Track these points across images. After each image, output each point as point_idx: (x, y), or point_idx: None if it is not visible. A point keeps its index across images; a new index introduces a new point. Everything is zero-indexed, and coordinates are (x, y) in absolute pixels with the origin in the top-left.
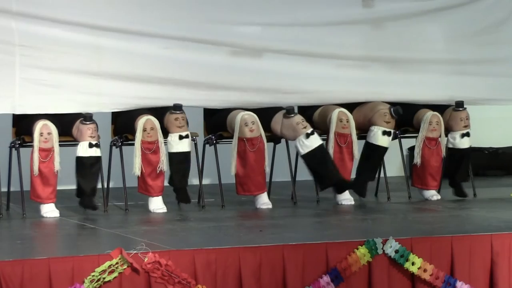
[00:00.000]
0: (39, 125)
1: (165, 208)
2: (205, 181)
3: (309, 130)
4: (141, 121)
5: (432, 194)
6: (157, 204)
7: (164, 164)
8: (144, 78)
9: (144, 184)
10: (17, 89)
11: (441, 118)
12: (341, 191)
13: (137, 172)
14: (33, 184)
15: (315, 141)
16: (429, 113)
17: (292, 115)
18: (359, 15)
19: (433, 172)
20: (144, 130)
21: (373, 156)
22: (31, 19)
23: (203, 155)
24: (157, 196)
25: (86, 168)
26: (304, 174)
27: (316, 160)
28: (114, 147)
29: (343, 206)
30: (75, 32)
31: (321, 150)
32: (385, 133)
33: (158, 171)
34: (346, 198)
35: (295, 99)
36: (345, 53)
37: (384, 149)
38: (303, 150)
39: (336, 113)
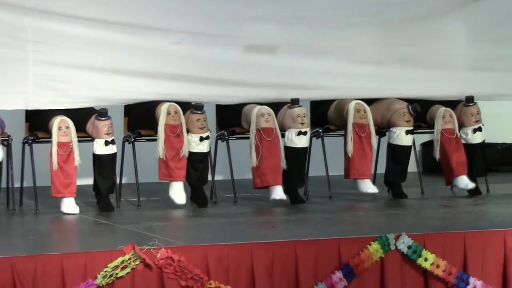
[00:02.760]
0: (57, 120)
1: (185, 197)
2: (218, 177)
3: (304, 129)
4: (165, 106)
5: (466, 183)
6: (178, 192)
7: (186, 149)
8: (156, 73)
9: (166, 169)
10: (30, 85)
11: (453, 113)
12: (292, 200)
13: (161, 155)
14: (53, 180)
15: (302, 142)
16: (442, 109)
17: (296, 106)
18: (373, 10)
19: (459, 158)
20: (169, 113)
21: (401, 157)
22: (44, 15)
23: (216, 151)
24: (180, 181)
25: (103, 165)
26: (316, 170)
27: (293, 159)
28: (127, 143)
29: (366, 195)
30: (87, 28)
31: (301, 152)
32: (408, 132)
33: (181, 156)
34: (370, 186)
35: (307, 94)
36: (359, 49)
37: (410, 148)
38: (287, 143)
39: (353, 104)
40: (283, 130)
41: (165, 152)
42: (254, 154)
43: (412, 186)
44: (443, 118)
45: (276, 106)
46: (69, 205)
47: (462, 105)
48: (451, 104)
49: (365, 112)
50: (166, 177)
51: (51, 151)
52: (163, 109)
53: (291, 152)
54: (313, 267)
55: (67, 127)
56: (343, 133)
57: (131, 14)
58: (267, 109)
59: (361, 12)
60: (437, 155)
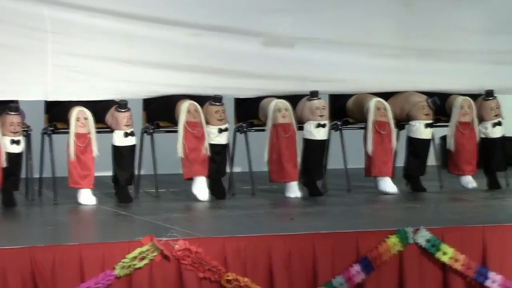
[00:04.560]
0: (75, 111)
1: (208, 193)
2: (236, 169)
3: (323, 121)
4: (185, 104)
5: (468, 182)
6: (201, 187)
7: (208, 147)
8: (174, 65)
9: (189, 166)
10: (49, 76)
11: (472, 102)
12: (311, 193)
13: (180, 152)
14: (71, 171)
15: (321, 134)
16: (460, 98)
17: (315, 98)
18: (392, 3)
19: (468, 157)
20: (189, 111)
21: (420, 150)
22: (63, 6)
23: (234, 143)
24: (202, 176)
25: (122, 157)
26: (334, 162)
27: (311, 150)
28: (145, 134)
29: (386, 194)
30: (106, 19)
31: (320, 145)
32: (427, 125)
33: (203, 152)
34: (390, 185)
35: (326, 87)
36: (377, 41)
37: (429, 141)
38: (306, 135)
39: (373, 102)
40: (301, 122)
41: (187, 148)
42: (267, 149)
43: (431, 179)
44: (461, 109)
45: (295, 99)
46: (86, 196)
47: (481, 99)
48: (470, 97)
49: (385, 110)
50: (190, 174)
51: (69, 142)
52: (183, 107)
53: (309, 144)
54: (331, 260)
55: (85, 118)
56: (362, 126)
57: (150, 6)
58: (284, 104)
59: (380, 5)
60: (452, 146)
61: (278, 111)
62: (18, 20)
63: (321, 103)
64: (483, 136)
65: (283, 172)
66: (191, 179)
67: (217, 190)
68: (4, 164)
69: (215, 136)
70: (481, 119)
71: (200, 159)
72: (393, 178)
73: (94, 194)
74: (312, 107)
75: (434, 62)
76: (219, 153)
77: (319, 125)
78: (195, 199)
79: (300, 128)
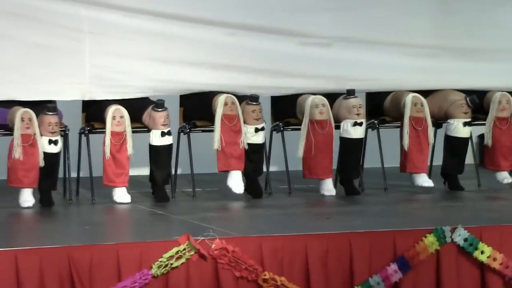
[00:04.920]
0: (111, 109)
1: (243, 186)
2: (273, 168)
3: (360, 120)
4: (222, 97)
5: (504, 177)
6: (236, 181)
7: (245, 140)
8: (211, 64)
9: (225, 159)
10: (87, 76)
11: (510, 97)
12: (347, 192)
13: (216, 145)
14: (106, 169)
15: (358, 132)
16: (498, 93)
17: (352, 96)
18: (428, 2)
19: (504, 152)
20: (226, 104)
21: (458, 149)
22: (100, 7)
23: (270, 142)
24: (237, 170)
25: (159, 156)
26: (371, 161)
27: (348, 149)
28: (182, 134)
29: (421, 189)
30: (142, 20)
31: (357, 143)
32: (465, 124)
33: (240, 146)
34: (426, 180)
35: (363, 85)
36: (414, 41)
37: (467, 140)
38: (343, 134)
39: (410, 97)
40: (338, 121)
41: (223, 142)
42: (302, 145)
43: (469, 178)
44: (499, 104)
45: (331, 97)
46: (121, 195)
47: None
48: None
49: (422, 105)
50: (225, 167)
51: (105, 140)
52: (220, 100)
53: (346, 143)
54: (367, 259)
55: (121, 117)
56: (399, 124)
57: (186, 6)
58: (321, 99)
59: (416, 4)
60: (489, 142)
61: (316, 107)
62: (56, 21)
63: (358, 102)
64: None
65: (318, 169)
66: (225, 171)
67: (254, 189)
68: (42, 164)
69: (252, 135)
70: None
71: (236, 154)
72: (429, 176)
73: (131, 193)
74: (348, 106)
75: (472, 61)
76: (256, 152)
77: (355, 124)
78: (231, 198)
79: (337, 127)
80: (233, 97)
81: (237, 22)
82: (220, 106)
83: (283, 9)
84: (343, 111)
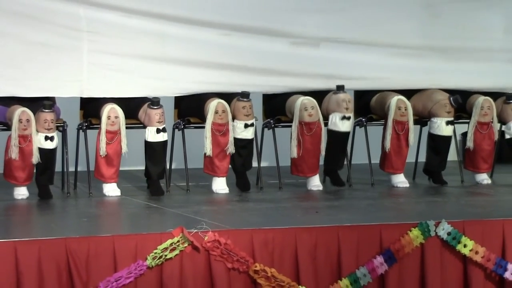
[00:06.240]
0: (107, 109)
1: (228, 189)
2: (264, 164)
3: (348, 114)
4: (213, 104)
5: (483, 178)
6: (220, 185)
7: (232, 147)
8: (205, 63)
9: (210, 165)
10: (85, 74)
11: (492, 102)
12: (333, 182)
13: (209, 152)
14: (98, 164)
15: (345, 126)
16: (481, 98)
17: (341, 91)
18: (416, 4)
19: (484, 155)
20: (216, 112)
21: (441, 147)
22: (98, 7)
23: (262, 139)
24: (222, 176)
25: (154, 152)
26: (359, 157)
27: (334, 141)
28: (176, 130)
29: (398, 188)
30: (140, 20)
31: (344, 137)
32: (448, 123)
33: (227, 153)
34: (401, 181)
35: (350, 84)
36: (402, 41)
37: (450, 138)
38: (330, 126)
39: (395, 100)
40: (327, 116)
41: (211, 152)
42: (294, 146)
43: (453, 174)
44: (481, 109)
45: (320, 95)
46: (110, 189)
47: (502, 101)
48: (491, 96)
49: (406, 109)
50: (210, 171)
51: (99, 138)
52: (211, 107)
53: (333, 135)
54: (355, 251)
55: (116, 117)
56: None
57: (183, 7)
58: (310, 101)
59: (404, 6)
60: (470, 145)
61: (305, 110)
62: (55, 20)
63: (347, 97)
64: (508, 136)
65: (305, 167)
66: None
67: (242, 183)
68: (36, 160)
69: (241, 131)
70: (503, 121)
71: (223, 162)
72: (414, 173)
73: (127, 187)
74: (338, 100)
75: (457, 61)
76: (245, 147)
77: (344, 118)
78: (223, 192)
79: (326, 124)
80: (224, 104)
81: (232, 24)
82: (210, 113)
83: (275, 11)
84: (333, 105)
